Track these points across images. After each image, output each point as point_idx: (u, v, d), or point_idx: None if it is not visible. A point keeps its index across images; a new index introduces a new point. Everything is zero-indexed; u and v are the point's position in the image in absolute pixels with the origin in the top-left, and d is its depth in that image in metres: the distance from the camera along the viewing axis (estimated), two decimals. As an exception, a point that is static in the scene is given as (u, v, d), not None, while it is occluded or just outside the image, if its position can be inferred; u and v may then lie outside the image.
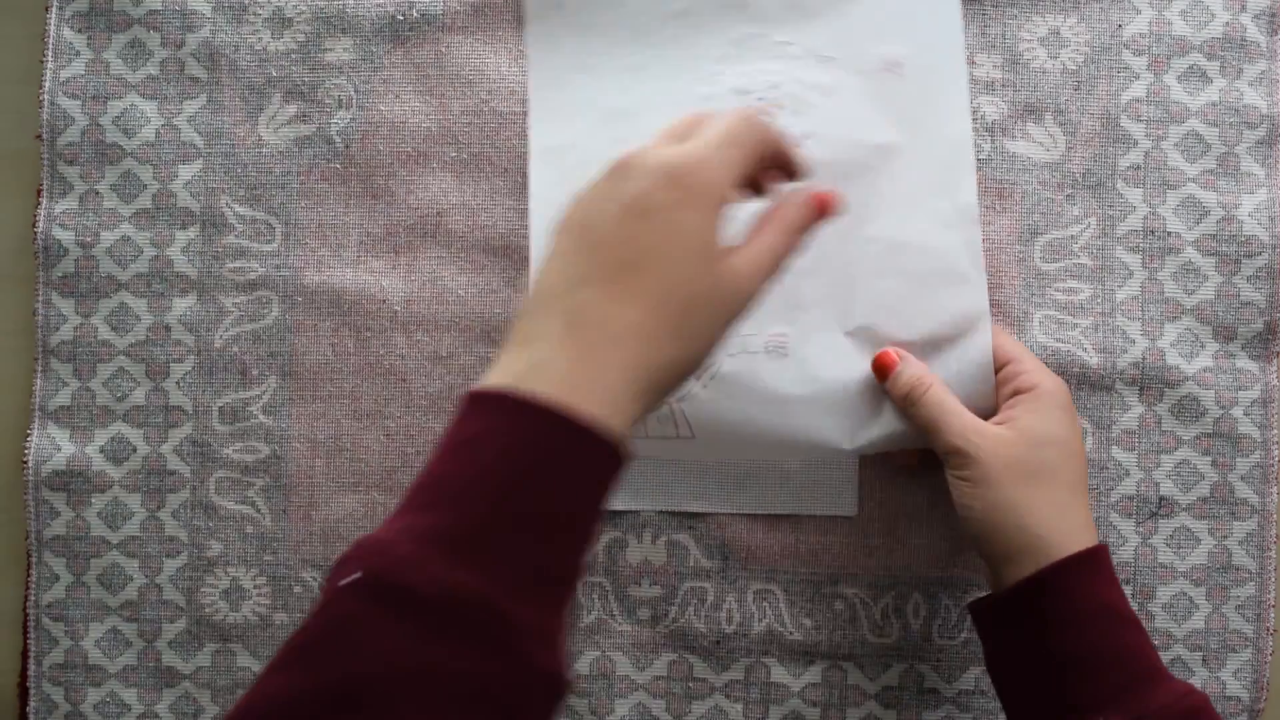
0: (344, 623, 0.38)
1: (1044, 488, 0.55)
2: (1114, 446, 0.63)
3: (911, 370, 0.58)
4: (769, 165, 0.49)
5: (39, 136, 0.65)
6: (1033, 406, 0.56)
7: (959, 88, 0.61)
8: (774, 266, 0.47)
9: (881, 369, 0.59)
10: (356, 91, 0.65)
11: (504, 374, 0.42)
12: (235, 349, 0.65)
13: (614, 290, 0.43)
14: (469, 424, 0.42)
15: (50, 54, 0.64)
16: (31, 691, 0.64)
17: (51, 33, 0.64)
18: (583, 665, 0.64)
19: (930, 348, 0.60)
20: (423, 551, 0.39)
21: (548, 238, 0.46)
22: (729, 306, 0.45)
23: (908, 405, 0.58)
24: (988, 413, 0.59)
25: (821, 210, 0.49)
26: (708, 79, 0.61)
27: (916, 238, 0.60)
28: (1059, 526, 0.54)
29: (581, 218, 0.45)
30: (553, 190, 0.61)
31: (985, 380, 0.60)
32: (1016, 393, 0.57)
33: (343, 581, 0.38)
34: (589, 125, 0.62)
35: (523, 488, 0.41)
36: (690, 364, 0.44)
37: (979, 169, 0.63)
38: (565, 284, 0.43)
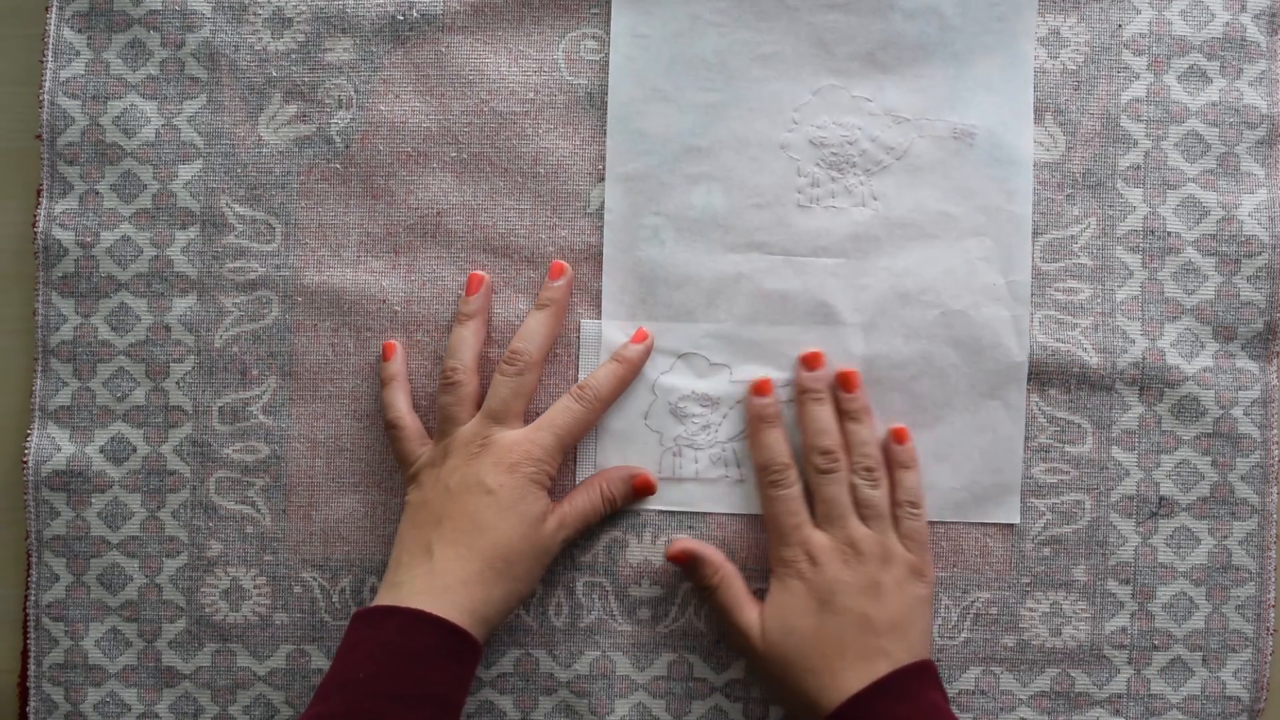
0: None
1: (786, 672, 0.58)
2: (1114, 446, 0.63)
3: (706, 559, 0.61)
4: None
5: (39, 136, 0.65)
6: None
7: (1024, 165, 0.63)
8: (582, 524, 0.62)
9: (677, 558, 0.61)
10: (356, 91, 0.65)
11: (380, 602, 0.57)
12: (235, 349, 0.65)
13: (460, 549, 0.58)
14: (353, 635, 0.56)
15: (50, 54, 0.64)
16: (31, 691, 0.64)
17: (51, 33, 0.64)
18: (583, 665, 0.64)
19: (967, 414, 0.63)
20: None
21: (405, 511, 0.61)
22: (544, 558, 0.60)
23: (706, 595, 0.61)
24: (1014, 484, 0.62)
25: (640, 490, 0.63)
26: (785, 126, 0.64)
27: (969, 309, 0.63)
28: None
29: (428, 498, 0.60)
30: (628, 218, 0.64)
31: (1014, 452, 0.63)
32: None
33: None
34: (665, 159, 0.64)
35: (393, 673, 0.54)
36: (517, 597, 0.59)
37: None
38: (422, 545, 0.58)
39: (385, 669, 0.55)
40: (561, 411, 0.61)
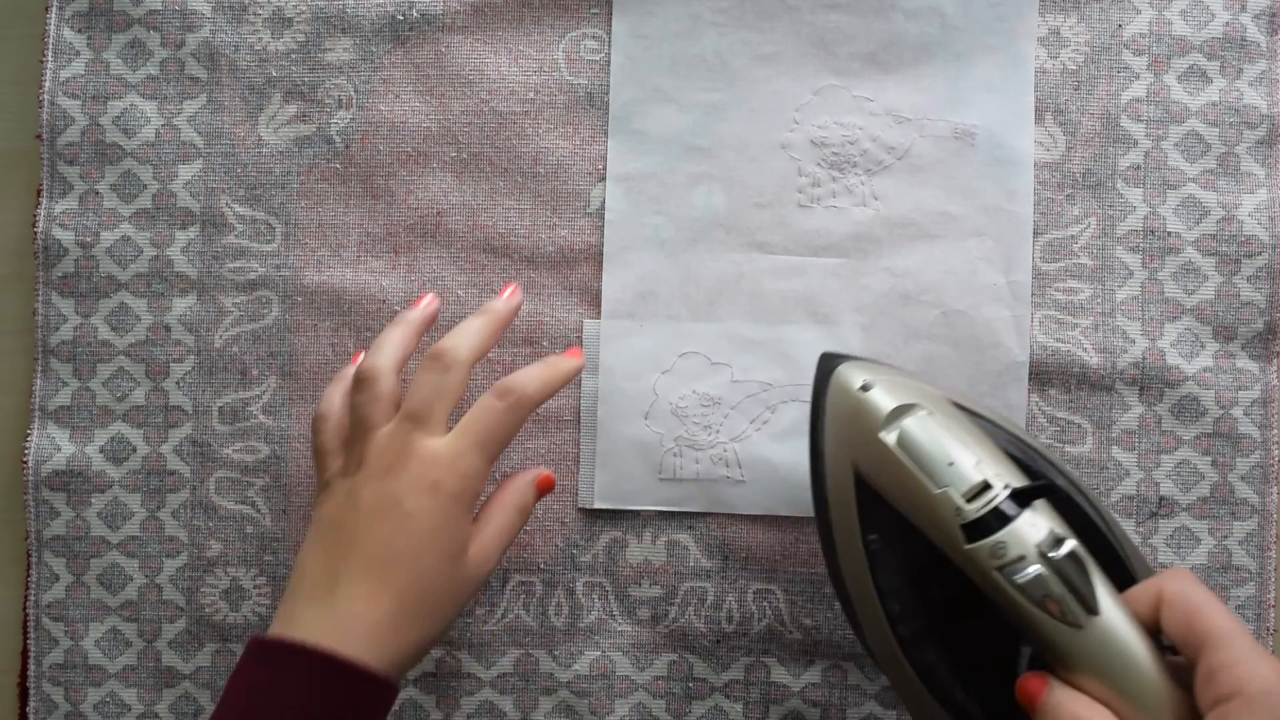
0: None
1: None
2: (1114, 446, 0.63)
3: (1059, 700, 0.45)
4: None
5: (39, 136, 0.65)
6: None
7: (1025, 165, 0.63)
8: (505, 546, 0.55)
9: (1025, 696, 0.46)
10: (356, 91, 0.65)
11: (276, 633, 0.50)
12: (235, 349, 0.65)
13: (371, 586, 0.50)
14: (251, 674, 0.50)
15: (50, 54, 0.64)
16: (31, 691, 0.64)
17: (51, 33, 0.64)
18: (583, 665, 0.64)
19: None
20: None
21: (309, 529, 0.54)
22: (466, 593, 0.53)
23: None
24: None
25: (543, 489, 0.58)
26: (786, 126, 0.64)
27: (969, 309, 0.63)
28: None
29: (338, 517, 0.52)
30: (628, 218, 0.64)
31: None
32: (1218, 701, 0.41)
33: None
34: (667, 158, 0.64)
35: None
36: (432, 641, 0.52)
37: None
38: (327, 578, 0.51)
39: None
40: (481, 414, 0.54)
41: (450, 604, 0.53)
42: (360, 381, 0.55)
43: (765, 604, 0.64)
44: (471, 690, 0.64)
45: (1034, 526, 0.47)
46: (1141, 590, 0.46)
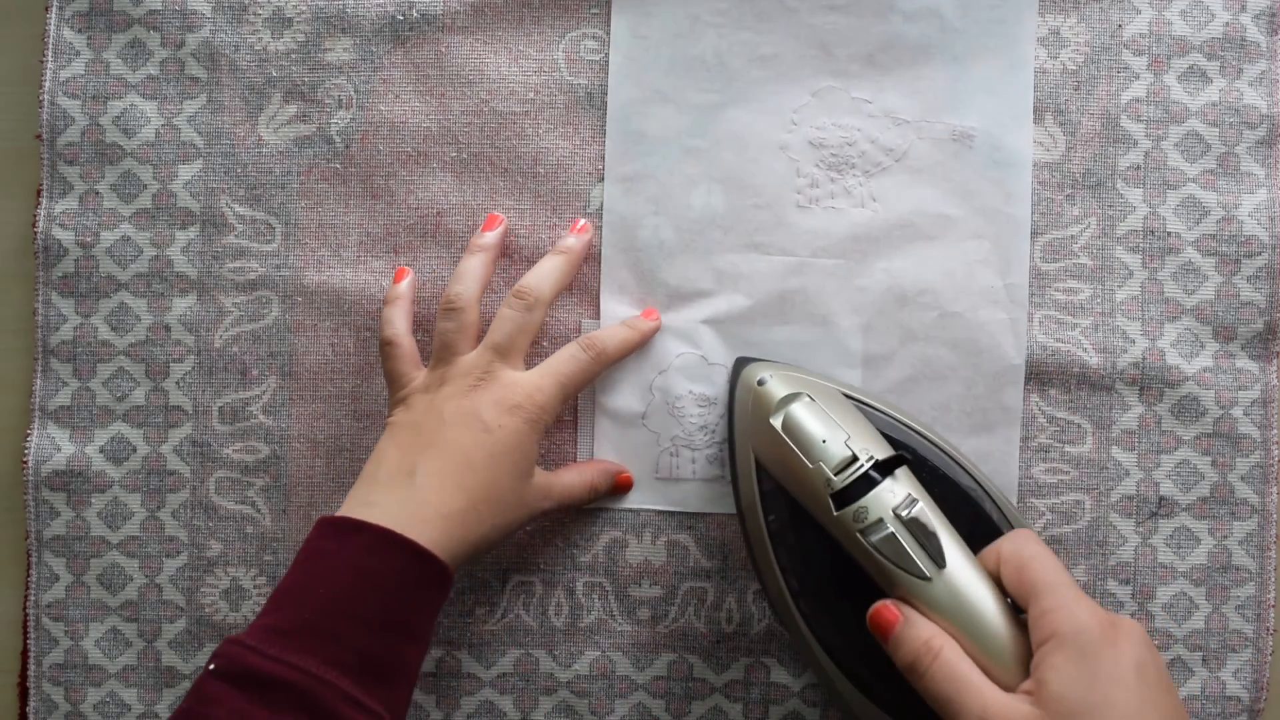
0: (203, 699, 0.49)
1: None
2: (1114, 446, 0.63)
3: (916, 632, 0.49)
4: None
5: (39, 136, 0.65)
6: (1056, 665, 0.46)
7: (1023, 168, 0.63)
8: (562, 501, 0.60)
9: (879, 627, 0.51)
10: (356, 91, 0.65)
11: (348, 513, 0.54)
12: (235, 349, 0.65)
13: (446, 483, 0.55)
14: (317, 544, 0.53)
15: (50, 54, 0.65)
16: (31, 691, 0.64)
17: (51, 33, 0.64)
18: (583, 665, 0.64)
19: (964, 416, 0.63)
20: (266, 642, 0.50)
21: (388, 427, 0.58)
22: (523, 514, 0.58)
23: (913, 676, 0.49)
24: (1009, 487, 0.62)
25: (620, 487, 0.63)
26: (785, 127, 0.64)
27: (966, 311, 0.63)
28: None
29: (418, 421, 0.57)
30: (627, 218, 0.64)
31: (1010, 455, 0.63)
32: (1040, 643, 0.47)
33: (209, 668, 0.50)
34: (665, 159, 0.64)
35: (356, 593, 0.51)
36: (489, 545, 0.56)
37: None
38: (405, 469, 0.55)
39: (348, 587, 0.51)
40: (567, 360, 0.59)
41: (512, 515, 0.57)
42: (449, 310, 0.59)
43: (765, 604, 0.64)
44: (471, 690, 0.64)
45: (892, 493, 0.52)
46: (988, 550, 0.52)
